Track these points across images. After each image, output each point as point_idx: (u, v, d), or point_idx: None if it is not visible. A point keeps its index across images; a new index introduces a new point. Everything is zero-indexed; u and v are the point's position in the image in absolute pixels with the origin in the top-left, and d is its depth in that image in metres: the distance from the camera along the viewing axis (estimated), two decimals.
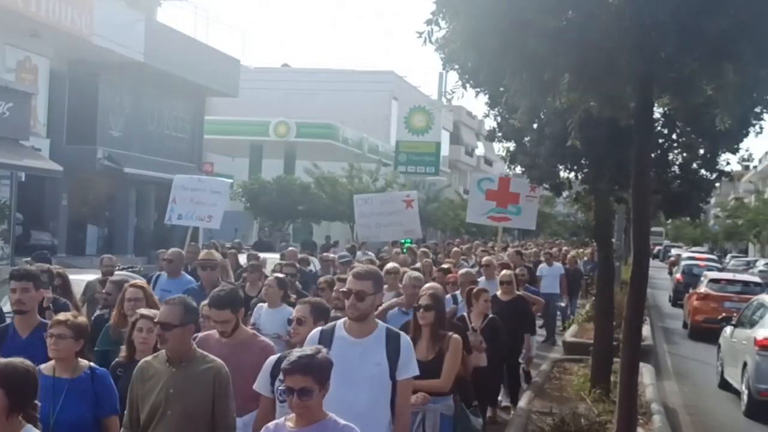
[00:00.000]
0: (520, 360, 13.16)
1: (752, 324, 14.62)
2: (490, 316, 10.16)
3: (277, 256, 17.23)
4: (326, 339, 5.45)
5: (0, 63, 25.37)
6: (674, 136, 11.57)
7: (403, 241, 28.24)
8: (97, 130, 29.89)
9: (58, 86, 28.42)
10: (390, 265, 12.42)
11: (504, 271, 12.67)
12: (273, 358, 5.84)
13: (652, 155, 10.16)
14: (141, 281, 7.84)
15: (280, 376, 5.39)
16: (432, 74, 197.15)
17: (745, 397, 13.90)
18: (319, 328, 5.69)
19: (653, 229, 61.12)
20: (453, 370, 7.07)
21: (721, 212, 76.01)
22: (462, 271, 12.41)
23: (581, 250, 35.55)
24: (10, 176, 24.28)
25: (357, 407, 5.21)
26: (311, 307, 6.37)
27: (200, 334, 6.53)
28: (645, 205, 7.12)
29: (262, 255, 16.81)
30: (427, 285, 8.75)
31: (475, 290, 10.39)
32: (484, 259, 14.94)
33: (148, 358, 5.76)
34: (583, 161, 11.94)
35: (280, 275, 9.88)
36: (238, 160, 44.65)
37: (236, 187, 38.96)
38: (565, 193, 15.41)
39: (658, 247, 73.36)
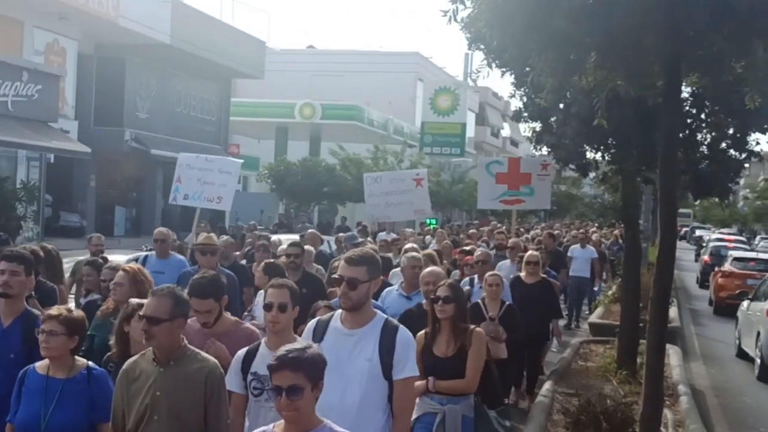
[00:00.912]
0: (553, 348, 13.01)
1: (766, 297, 15.83)
2: (507, 303, 9.46)
3: (296, 237, 16.79)
4: (321, 330, 5.09)
5: (29, 46, 25.56)
6: (703, 116, 11.44)
7: (427, 221, 28.26)
8: (125, 112, 30.08)
9: (85, 69, 28.62)
10: (409, 245, 12.17)
11: (530, 252, 12.14)
12: (241, 352, 5.37)
13: (680, 135, 10.08)
14: (134, 266, 7.22)
15: (252, 369, 5.20)
16: (458, 55, 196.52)
17: (758, 362, 15.05)
18: (315, 319, 5.26)
19: (681, 210, 60.77)
20: (479, 369, 6.60)
21: (751, 193, 75.34)
22: (479, 251, 11.72)
23: (606, 230, 35.28)
24: (39, 158, 24.48)
25: (343, 404, 4.82)
26: (290, 291, 5.61)
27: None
28: (672, 185, 7.06)
29: (281, 237, 16.67)
30: (428, 270, 8.04)
31: (488, 275, 9.70)
32: (511, 240, 14.52)
33: (135, 357, 5.19)
34: (609, 141, 11.86)
35: (270, 260, 9.48)
36: (264, 141, 44.81)
37: (262, 169, 39.15)
38: (591, 174, 15.31)
39: (685, 229, 72.84)
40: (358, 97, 46.33)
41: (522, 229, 25.68)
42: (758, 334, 15.02)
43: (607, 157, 12.66)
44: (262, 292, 8.65)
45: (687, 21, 6.41)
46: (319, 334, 5.04)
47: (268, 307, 5.43)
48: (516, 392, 11.22)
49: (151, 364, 5.02)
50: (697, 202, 64.75)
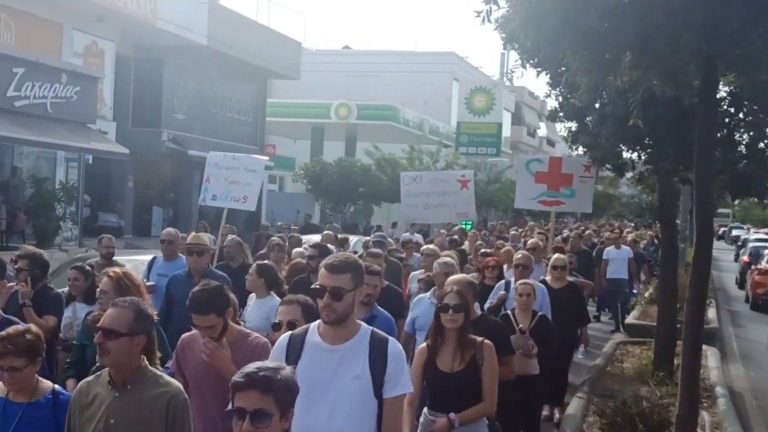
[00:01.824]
0: (579, 356, 12.52)
1: None
2: (540, 313, 8.80)
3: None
4: (295, 346, 4.44)
5: (68, 48, 25.84)
6: (741, 115, 11.33)
7: (462, 223, 28.17)
8: (162, 113, 30.30)
9: (123, 70, 28.87)
10: (426, 247, 11.85)
11: (556, 255, 11.46)
12: (285, 336, 4.93)
13: (718, 135, 9.97)
14: (123, 270, 6.70)
15: None
16: (494, 54, 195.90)
17: None
18: (288, 333, 4.59)
19: (720, 210, 60.14)
20: (495, 388, 6.06)
21: None
22: (519, 254, 10.87)
23: (642, 231, 34.95)
24: (77, 159, 24.74)
25: (329, 429, 4.31)
26: (302, 307, 5.19)
27: (186, 335, 5.60)
28: (708, 185, 7.01)
29: (307, 237, 16.56)
30: (455, 278, 7.12)
31: (519, 283, 8.98)
32: (530, 241, 13.98)
33: (89, 378, 4.62)
34: (646, 141, 11.77)
35: (263, 262, 9.12)
36: (300, 142, 44.96)
37: (298, 170, 39.30)
38: (628, 174, 15.18)
39: (723, 229, 72.09)
40: (394, 98, 46.33)
41: (567, 231, 25.46)
42: None
43: (643, 157, 12.58)
44: (253, 295, 8.43)
45: (723, 20, 6.36)
46: (294, 352, 4.41)
47: (276, 326, 5.12)
48: (549, 406, 10.73)
49: (105, 387, 4.45)
50: (737, 202, 64.03)
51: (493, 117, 49.87)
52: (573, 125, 13.07)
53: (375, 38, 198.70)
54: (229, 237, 12.40)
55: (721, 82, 8.71)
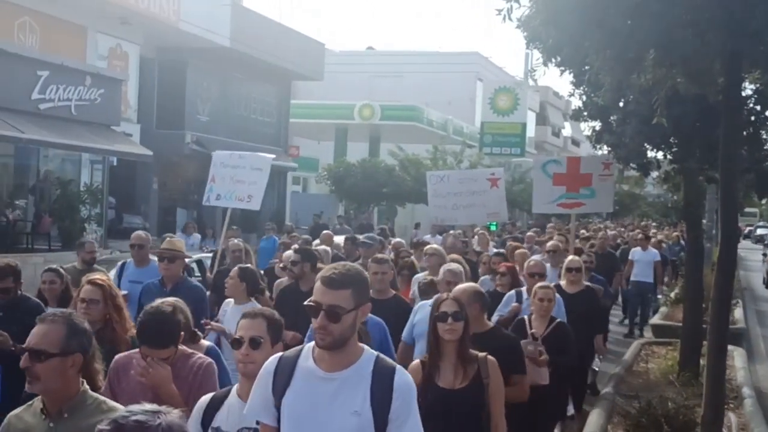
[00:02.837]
0: (595, 367, 11.81)
1: None
2: (558, 320, 8.18)
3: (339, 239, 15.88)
4: (285, 371, 3.78)
5: (92, 50, 26.00)
6: (767, 113, 11.23)
7: (489, 224, 28.00)
8: (186, 115, 30.44)
9: (147, 72, 29.01)
10: (429, 246, 11.27)
11: (571, 257, 10.74)
12: (205, 399, 4.38)
13: (744, 133, 9.88)
14: (103, 277, 6.24)
15: (215, 424, 4.30)
16: (518, 54, 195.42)
17: None
18: (278, 355, 3.88)
19: (747, 209, 59.65)
20: (503, 409, 5.52)
21: None
22: (532, 260, 10.23)
23: (668, 230, 34.65)
24: (102, 161, 24.88)
25: None
26: (267, 322, 4.49)
27: (120, 356, 5.02)
28: (732, 183, 6.93)
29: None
30: (461, 288, 6.57)
31: (538, 286, 8.34)
32: (550, 243, 13.40)
33: (18, 410, 3.99)
34: (671, 140, 11.68)
35: (245, 265, 8.60)
36: (324, 143, 44.97)
37: (321, 171, 39.33)
38: (654, 174, 15.03)
39: (749, 228, 71.53)
40: (418, 98, 46.27)
41: (584, 231, 25.10)
42: None
43: (668, 156, 12.48)
44: (230, 301, 8.02)
45: (747, 17, 6.28)
46: (282, 378, 3.76)
47: (237, 343, 4.41)
48: (561, 423, 9.65)
49: (38, 416, 3.84)
50: (764, 201, 63.48)
51: (517, 117, 49.60)
52: (597, 124, 12.98)
53: (398, 39, 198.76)
54: (234, 240, 12.04)
55: (746, 80, 8.63)
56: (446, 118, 47.53)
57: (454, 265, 8.21)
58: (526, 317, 8.20)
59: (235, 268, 8.28)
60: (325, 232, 15.46)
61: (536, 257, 10.69)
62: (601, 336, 10.85)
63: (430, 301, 7.44)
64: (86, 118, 22.97)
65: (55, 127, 21.56)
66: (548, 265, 12.12)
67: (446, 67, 54.30)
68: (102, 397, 3.98)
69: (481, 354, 5.50)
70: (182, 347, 4.96)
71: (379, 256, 9.12)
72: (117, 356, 5.00)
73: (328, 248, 12.40)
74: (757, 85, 10.13)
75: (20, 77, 21.01)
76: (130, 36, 27.44)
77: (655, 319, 18.52)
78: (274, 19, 34.40)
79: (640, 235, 21.13)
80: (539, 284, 8.38)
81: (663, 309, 19.72)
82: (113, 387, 4.87)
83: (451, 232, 16.88)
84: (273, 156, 13.86)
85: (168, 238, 9.02)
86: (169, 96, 29.91)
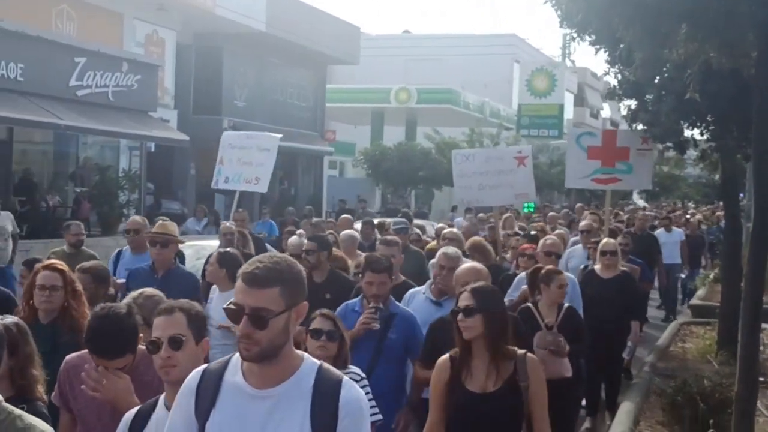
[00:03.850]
0: (625, 355, 11.01)
1: None
2: (567, 306, 7.67)
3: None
4: (209, 388, 3.14)
5: (130, 37, 26.20)
6: None
7: (525, 206, 27.78)
8: (222, 101, 30.58)
9: (184, 58, 29.19)
10: (448, 230, 10.80)
11: (605, 240, 10.27)
12: (130, 413, 3.78)
13: None
14: (59, 264, 5.64)
15: None
16: (555, 35, 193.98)
17: None
18: (201, 368, 3.22)
19: None
20: (546, 416, 4.80)
21: None
22: (549, 240, 9.50)
23: (706, 210, 34.16)
24: (139, 147, 25.08)
25: None
26: (187, 316, 3.86)
27: (72, 356, 4.45)
28: (766, 158, 6.83)
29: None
30: (465, 268, 6.22)
31: (544, 271, 7.66)
32: (583, 223, 13.01)
33: None
34: (708, 117, 11.54)
35: (225, 250, 8.13)
36: (360, 127, 45.03)
37: (358, 155, 39.39)
38: (693, 154, 14.82)
39: None
40: (454, 81, 46.15)
41: (620, 212, 24.77)
42: None
43: (705, 134, 12.33)
44: (216, 287, 7.71)
45: None
46: (206, 397, 3.13)
47: (153, 346, 3.82)
48: (591, 419, 9.58)
49: None
50: None
51: (554, 98, 49.29)
52: (632, 103, 12.85)
53: (434, 22, 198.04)
54: (226, 223, 11.60)
55: None
56: (483, 101, 47.37)
57: (451, 249, 7.48)
58: (530, 304, 7.63)
59: (215, 253, 7.90)
60: (344, 216, 14.88)
61: (551, 237, 9.84)
62: (638, 323, 10.28)
63: (422, 288, 7.26)
64: (123, 104, 23.15)
65: (93, 113, 21.76)
66: (580, 245, 12.09)
67: (482, 50, 54.11)
68: (18, 412, 3.27)
69: (521, 351, 4.84)
70: (143, 347, 4.25)
71: (388, 238, 8.83)
72: (68, 357, 4.43)
73: (355, 233, 11.63)
74: None
75: (58, 64, 21.20)
76: (166, 22, 27.60)
77: (694, 300, 18.38)
78: (310, 3, 34.42)
79: (665, 218, 20.69)
80: (552, 269, 7.82)
81: (702, 289, 19.53)
82: (63, 392, 4.37)
83: (479, 215, 16.61)
84: (280, 135, 13.42)
85: (160, 222, 8.57)
86: (205, 82, 30.08)
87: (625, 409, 9.62)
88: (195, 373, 3.20)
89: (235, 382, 3.11)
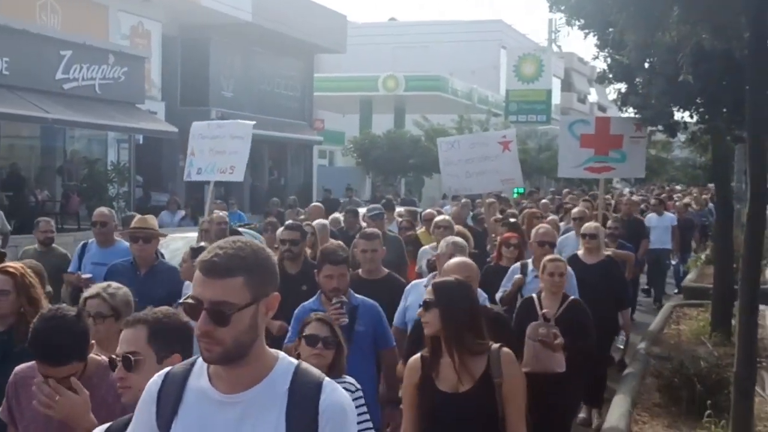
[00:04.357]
0: (619, 345, 10.75)
1: None
2: (572, 297, 7.21)
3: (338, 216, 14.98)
4: (171, 393, 2.77)
5: (114, 29, 26.07)
6: None
7: (515, 191, 27.70)
8: (210, 92, 30.50)
9: (170, 50, 29.08)
10: (441, 218, 10.40)
11: (587, 223, 9.87)
12: (100, 429, 3.25)
13: None
14: (18, 266, 5.22)
15: None
16: (541, 21, 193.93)
17: None
18: (163, 371, 2.83)
19: None
20: (523, 414, 4.48)
21: None
22: (541, 227, 9.03)
23: (697, 194, 34.19)
24: (128, 139, 25.00)
25: None
26: (149, 330, 3.47)
27: (21, 367, 4.09)
28: (760, 138, 6.84)
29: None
30: (454, 262, 5.88)
31: (547, 259, 7.34)
32: (575, 210, 12.68)
33: None
34: (697, 100, 11.56)
35: (199, 245, 7.72)
36: (348, 116, 45.00)
37: (347, 143, 39.34)
38: (682, 137, 14.82)
39: None
40: (441, 68, 46.15)
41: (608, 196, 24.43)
42: None
43: (695, 116, 12.34)
44: (188, 283, 7.01)
45: None
46: (168, 404, 2.76)
47: (111, 363, 3.51)
48: (587, 408, 9.27)
49: None
50: None
51: (542, 84, 49.29)
52: (622, 86, 12.83)
53: (420, 9, 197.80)
54: (218, 213, 11.23)
55: None
56: (471, 87, 47.36)
57: (459, 238, 7.29)
58: (534, 295, 7.25)
59: (188, 248, 7.41)
60: (313, 204, 14.33)
61: (545, 226, 9.30)
62: (627, 311, 9.77)
63: (423, 281, 7.02)
64: (111, 97, 23.06)
65: (80, 106, 21.67)
66: (572, 233, 11.82)
67: (469, 36, 54.13)
68: None
69: (495, 346, 4.45)
70: (100, 358, 3.91)
71: (368, 230, 8.11)
72: (17, 368, 4.07)
73: (326, 222, 11.31)
74: None
75: (44, 58, 21.10)
76: (151, 14, 27.47)
77: (686, 281, 18.43)
78: None
79: (653, 201, 20.20)
80: (549, 257, 7.46)
81: (694, 271, 19.58)
82: (11, 407, 4.04)
83: (464, 200, 16.10)
84: (253, 122, 12.87)
85: (139, 216, 8.03)
86: (192, 73, 29.99)
87: (622, 391, 9.65)
88: (157, 378, 2.82)
89: (201, 386, 2.73)
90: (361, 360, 5.88)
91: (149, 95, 26.41)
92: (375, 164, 37.37)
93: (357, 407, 4.50)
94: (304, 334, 4.90)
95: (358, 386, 4.88)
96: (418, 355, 4.59)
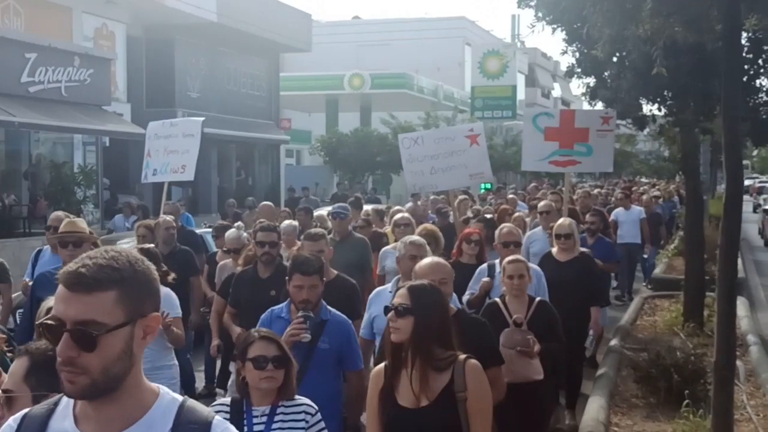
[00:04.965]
0: (587, 345, 10.25)
1: None
2: (538, 299, 6.82)
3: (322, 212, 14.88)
4: None
5: (78, 31, 25.83)
6: (761, 61, 11.25)
7: (481, 186, 27.72)
8: (176, 93, 30.34)
9: (135, 51, 28.87)
10: (400, 215, 10.15)
11: (560, 221, 9.42)
12: (16, 419, 2.53)
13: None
14: None
15: None
16: (504, 17, 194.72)
17: None
18: (21, 413, 2.40)
19: None
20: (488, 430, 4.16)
21: None
22: (506, 225, 8.68)
23: (664, 186, 34.47)
24: (95, 142, 24.81)
25: None
26: (31, 361, 2.90)
27: None
28: (736, 126, 6.92)
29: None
30: (426, 263, 5.38)
31: (506, 261, 6.86)
32: (542, 204, 12.36)
33: None
34: (666, 93, 11.67)
35: (146, 246, 7.36)
36: (315, 115, 44.95)
37: (314, 142, 39.30)
38: (646, 130, 14.94)
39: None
40: (407, 65, 46.22)
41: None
42: None
43: (663, 110, 12.46)
44: None
45: None
46: None
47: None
48: (557, 413, 8.74)
49: None
50: (755, 153, 63.76)
51: (507, 80, 49.54)
52: (591, 80, 12.88)
53: (384, 7, 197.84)
54: (163, 217, 10.74)
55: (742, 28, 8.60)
56: (436, 84, 47.49)
57: (417, 237, 6.86)
58: (498, 299, 6.80)
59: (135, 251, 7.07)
60: (264, 203, 13.91)
61: (508, 225, 8.87)
62: (598, 309, 9.29)
63: (388, 287, 6.56)
64: (77, 99, 22.86)
65: (46, 109, 21.47)
66: (540, 228, 11.55)
67: (433, 33, 54.29)
68: None
69: (460, 356, 4.10)
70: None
71: (313, 231, 7.60)
72: None
73: (294, 223, 10.81)
74: (751, 34, 10.12)
75: (8, 61, 20.88)
76: (115, 15, 27.26)
77: (657, 273, 18.59)
78: None
79: (620, 195, 19.90)
80: (508, 258, 6.99)
81: (663, 263, 19.76)
82: None
83: (430, 196, 15.47)
84: (203, 119, 12.62)
85: (68, 219, 7.41)
86: (158, 74, 29.79)
87: (599, 384, 9.71)
88: (11, 421, 2.38)
89: (65, 429, 2.28)
90: (322, 378, 5.46)
91: (114, 97, 26.22)
92: (342, 163, 37.39)
93: None
94: (249, 356, 4.39)
95: (316, 408, 4.53)
96: (382, 364, 4.25)
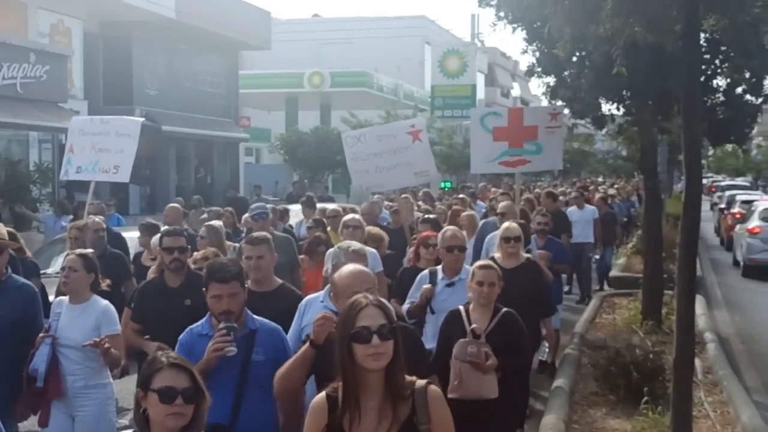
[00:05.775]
0: (542, 357, 10.21)
1: (748, 220, 22.91)
2: (504, 310, 6.08)
3: (296, 207, 14.77)
4: None
5: (33, 27, 25.48)
6: (718, 62, 11.38)
7: (441, 184, 27.75)
8: (134, 90, 30.09)
9: (92, 48, 28.58)
10: (350, 216, 9.61)
11: (508, 224, 8.59)
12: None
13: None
14: None
15: None
16: (464, 16, 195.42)
17: (742, 264, 22.25)
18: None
19: None
20: None
21: (764, 141, 75.26)
22: (449, 228, 7.85)
23: (622, 185, 34.68)
24: (51, 139, 24.52)
25: None
26: None
27: None
28: (695, 124, 6.97)
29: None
30: (349, 270, 4.79)
31: (477, 266, 6.25)
32: (502, 204, 11.78)
33: None
34: (625, 92, 11.77)
35: (85, 251, 6.75)
36: (274, 113, 44.78)
37: (274, 140, 39.14)
38: (605, 130, 15.05)
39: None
40: (367, 64, 46.20)
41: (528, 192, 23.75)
42: (741, 245, 22.43)
43: (622, 109, 12.56)
44: (62, 300, 6.36)
45: None
46: None
47: None
48: None
49: None
50: (711, 153, 64.58)
51: (466, 79, 49.67)
52: (551, 80, 12.93)
53: (344, 5, 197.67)
54: (92, 218, 10.21)
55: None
56: (396, 83, 47.54)
57: (356, 244, 6.28)
58: (462, 308, 6.15)
59: (72, 257, 6.41)
60: (170, 205, 13.11)
61: (451, 228, 7.99)
62: (550, 319, 8.57)
63: (319, 295, 5.83)
64: (33, 96, 22.57)
65: (1, 106, 21.17)
66: (498, 231, 11.15)
67: (393, 32, 54.34)
68: None
69: (420, 383, 3.58)
70: None
71: (254, 235, 7.01)
72: None
73: (218, 223, 10.15)
74: (708, 34, 10.23)
75: None
76: (71, 11, 26.92)
77: (615, 272, 18.73)
78: None
79: (573, 194, 19.59)
80: (479, 263, 6.44)
81: (621, 261, 19.93)
82: None
83: (376, 197, 15.00)
84: (142, 119, 12.10)
85: None
86: (115, 71, 29.51)
87: (560, 381, 9.76)
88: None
89: None
90: (259, 396, 4.92)
91: (71, 94, 25.93)
92: (302, 161, 37.27)
93: None
94: (154, 387, 3.61)
95: None
96: (323, 394, 3.59)
